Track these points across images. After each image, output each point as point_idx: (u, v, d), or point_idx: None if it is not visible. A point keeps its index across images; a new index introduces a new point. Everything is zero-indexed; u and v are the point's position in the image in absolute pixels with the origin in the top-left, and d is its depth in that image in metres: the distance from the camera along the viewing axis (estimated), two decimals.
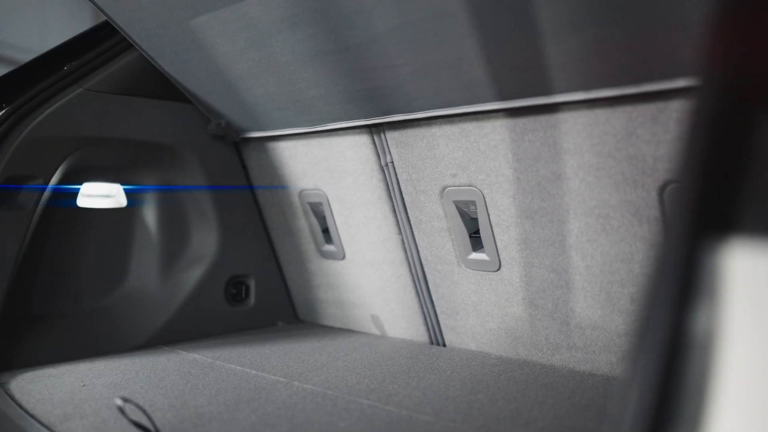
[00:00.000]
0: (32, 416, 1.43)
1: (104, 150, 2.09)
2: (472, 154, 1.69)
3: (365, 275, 2.17)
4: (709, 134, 0.54)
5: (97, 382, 1.68)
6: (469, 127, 1.67)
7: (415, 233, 1.95)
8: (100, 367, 1.86)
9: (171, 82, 2.11)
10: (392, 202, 1.98)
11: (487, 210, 1.71)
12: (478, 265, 1.80)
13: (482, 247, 1.78)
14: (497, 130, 1.61)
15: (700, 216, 0.53)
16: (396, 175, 1.92)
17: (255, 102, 2.04)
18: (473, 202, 1.75)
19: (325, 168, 2.11)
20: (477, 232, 1.79)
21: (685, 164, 0.54)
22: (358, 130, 1.95)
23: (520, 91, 1.50)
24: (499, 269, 1.75)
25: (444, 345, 2.01)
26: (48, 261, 2.08)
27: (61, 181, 2.00)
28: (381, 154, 1.94)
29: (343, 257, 2.21)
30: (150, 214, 2.27)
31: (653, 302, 0.53)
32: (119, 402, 1.30)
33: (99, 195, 2.10)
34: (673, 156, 0.57)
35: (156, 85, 2.12)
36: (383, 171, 1.95)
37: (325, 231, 2.26)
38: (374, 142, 1.93)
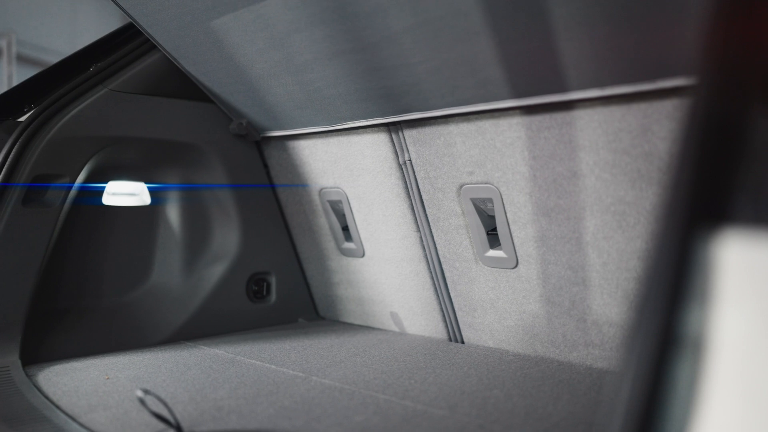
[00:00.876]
0: (58, 407, 1.48)
1: (129, 149, 2.13)
2: (489, 151, 1.71)
3: (384, 272, 2.19)
4: (703, 128, 0.55)
5: (121, 375, 1.73)
6: (486, 124, 1.69)
7: (433, 231, 1.97)
8: (123, 360, 1.91)
9: (193, 82, 2.15)
10: (410, 199, 2.00)
11: (503, 207, 1.73)
12: (496, 263, 1.82)
13: (499, 244, 1.79)
14: (513, 128, 1.62)
15: (694, 207, 0.54)
16: (414, 172, 1.94)
17: (275, 101, 2.07)
18: (490, 200, 1.77)
19: (345, 166, 2.13)
20: (494, 229, 1.80)
21: (681, 157, 0.56)
22: (376, 129, 1.97)
23: (535, 89, 1.51)
24: (516, 266, 1.76)
25: (462, 342, 2.03)
26: (74, 257, 2.13)
27: (87, 180, 2.06)
28: (399, 152, 1.96)
29: (363, 255, 2.24)
30: (173, 212, 2.32)
31: (648, 293, 0.55)
32: (140, 393, 1.33)
33: (124, 193, 2.15)
34: (670, 150, 0.58)
35: (179, 85, 2.17)
36: (401, 169, 1.97)
37: (345, 229, 2.28)
38: (392, 140, 1.96)
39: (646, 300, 0.54)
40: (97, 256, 2.19)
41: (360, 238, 2.22)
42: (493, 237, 1.82)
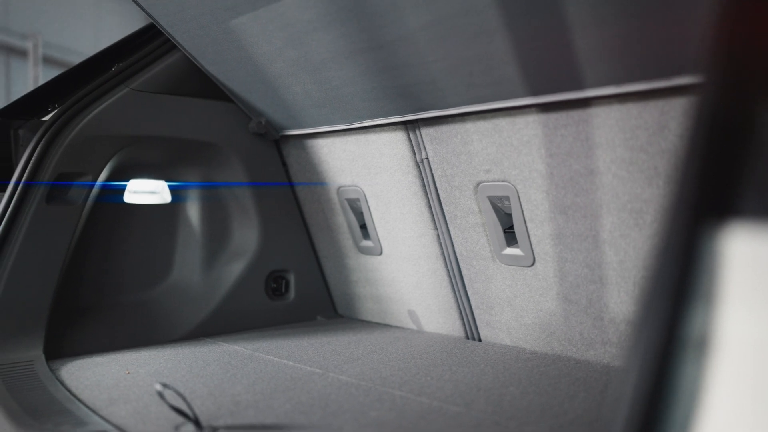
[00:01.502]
0: (80, 400, 1.51)
1: (149, 147, 2.16)
2: (505, 149, 1.71)
3: (402, 270, 2.20)
4: (710, 124, 0.55)
5: (141, 370, 1.76)
6: (502, 122, 1.69)
7: (451, 229, 1.98)
8: (144, 356, 1.94)
9: (213, 81, 2.18)
10: (428, 197, 2.00)
11: (520, 205, 1.73)
12: (513, 260, 1.82)
13: (516, 242, 1.79)
14: (530, 126, 1.62)
15: (700, 202, 0.54)
16: (431, 171, 1.95)
17: (293, 100, 2.09)
18: (507, 198, 1.77)
19: (362, 164, 2.15)
20: (511, 227, 1.80)
21: (688, 153, 0.56)
22: (393, 127, 1.98)
23: (551, 86, 1.51)
24: (533, 264, 1.76)
25: (479, 340, 2.03)
26: (96, 254, 2.17)
27: (109, 178, 2.09)
28: (416, 150, 1.96)
29: (381, 252, 2.25)
30: (193, 210, 2.35)
31: (654, 288, 0.55)
32: (159, 387, 1.36)
33: (145, 191, 2.19)
34: (678, 146, 0.58)
35: (199, 84, 2.19)
36: (419, 167, 1.98)
37: (363, 227, 2.30)
38: (410, 139, 1.97)
39: (652, 295, 0.55)
40: (119, 253, 2.22)
41: (378, 236, 2.23)
42: (510, 235, 1.82)
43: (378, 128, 2.03)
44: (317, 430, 1.30)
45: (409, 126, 1.95)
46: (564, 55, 1.39)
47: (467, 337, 2.07)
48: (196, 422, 1.30)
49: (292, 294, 2.45)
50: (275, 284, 2.42)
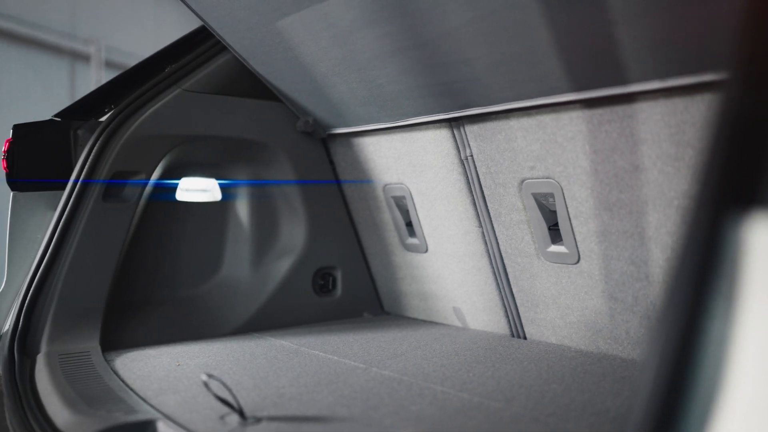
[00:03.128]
0: (131, 389, 1.57)
1: (200, 146, 2.22)
2: (550, 146, 1.70)
3: (447, 267, 2.21)
4: (734, 118, 0.55)
5: (191, 363, 1.82)
6: (546, 119, 1.68)
7: (495, 226, 1.97)
8: (194, 349, 2.00)
9: (262, 81, 2.23)
10: (472, 195, 2.00)
11: (565, 202, 1.71)
12: (558, 258, 1.80)
13: (561, 239, 1.77)
14: (574, 122, 1.61)
15: (723, 191, 0.54)
16: (476, 168, 1.95)
17: (340, 99, 2.12)
18: (551, 194, 1.75)
19: (408, 162, 2.16)
20: (556, 224, 1.79)
21: (712, 145, 0.56)
22: (438, 125, 1.99)
23: (595, 82, 1.49)
24: (578, 262, 1.74)
25: (524, 338, 2.02)
26: (150, 250, 2.24)
27: (162, 176, 2.17)
28: (461, 147, 1.97)
29: (426, 250, 2.26)
30: (242, 208, 2.41)
31: (677, 276, 0.55)
32: (204, 378, 1.41)
33: (196, 189, 2.25)
34: (704, 137, 0.58)
35: (248, 84, 2.25)
36: (463, 164, 1.98)
37: (409, 224, 2.31)
38: (454, 136, 1.97)
39: (675, 285, 0.55)
40: (171, 249, 2.29)
41: (423, 233, 2.24)
42: (554, 232, 1.80)
43: (423, 126, 2.04)
44: (357, 423, 1.32)
45: (453, 123, 1.96)
46: (607, 49, 1.38)
47: (512, 335, 2.06)
48: (240, 412, 1.34)
49: (338, 291, 2.48)
50: (322, 281, 2.45)
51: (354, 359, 1.84)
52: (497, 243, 1.99)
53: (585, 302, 1.77)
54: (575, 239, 1.72)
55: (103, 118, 2.08)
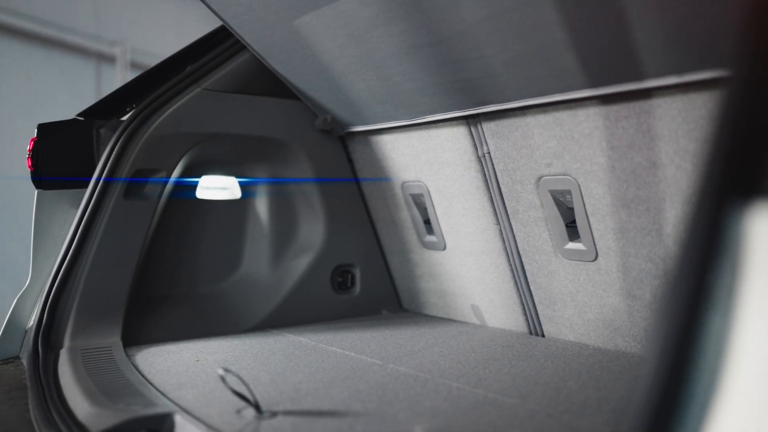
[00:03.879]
0: (151, 384, 1.60)
1: (220, 145, 2.25)
2: (567, 142, 1.69)
3: (465, 265, 2.21)
4: (737, 112, 0.55)
5: (210, 358, 1.84)
6: (563, 115, 1.67)
7: (513, 223, 1.97)
8: (213, 345, 2.02)
9: (280, 80, 2.25)
10: (490, 192, 2.00)
11: (582, 199, 1.70)
12: (575, 255, 1.79)
13: (579, 236, 1.77)
14: (590, 118, 1.60)
15: (726, 183, 0.54)
16: (493, 165, 1.95)
17: (357, 96, 2.13)
18: (569, 191, 1.75)
19: (425, 160, 2.17)
20: (573, 221, 1.78)
21: (716, 137, 0.56)
22: (455, 122, 1.99)
23: (611, 78, 1.48)
24: (595, 259, 1.74)
25: (542, 335, 2.01)
26: (170, 248, 2.27)
27: (182, 174, 2.20)
28: (478, 144, 1.97)
29: (444, 247, 2.26)
30: (262, 206, 2.43)
31: (680, 266, 0.55)
32: (221, 372, 1.42)
33: (216, 187, 2.28)
34: (708, 129, 0.58)
35: (267, 83, 2.27)
36: (481, 162, 1.98)
37: (427, 222, 2.32)
38: (471, 133, 1.97)
39: (679, 270, 0.55)
40: (191, 247, 2.32)
41: (441, 231, 2.24)
42: (572, 229, 1.80)
43: (440, 123, 2.05)
44: (372, 417, 1.33)
45: (470, 121, 1.96)
46: (623, 44, 1.37)
47: (530, 333, 2.06)
48: (257, 406, 1.36)
49: (357, 288, 2.49)
50: (341, 278, 2.47)
51: (371, 356, 1.85)
52: (515, 240, 1.98)
53: (603, 300, 1.76)
54: (593, 236, 1.71)
55: (125, 117, 2.11)
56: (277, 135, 2.32)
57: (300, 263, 2.40)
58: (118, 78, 6.98)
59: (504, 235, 2.02)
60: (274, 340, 2.08)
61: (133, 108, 2.10)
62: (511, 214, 1.96)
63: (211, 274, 2.35)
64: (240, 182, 2.36)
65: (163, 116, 2.06)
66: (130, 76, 6.96)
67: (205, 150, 2.21)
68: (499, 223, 2.02)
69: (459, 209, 2.14)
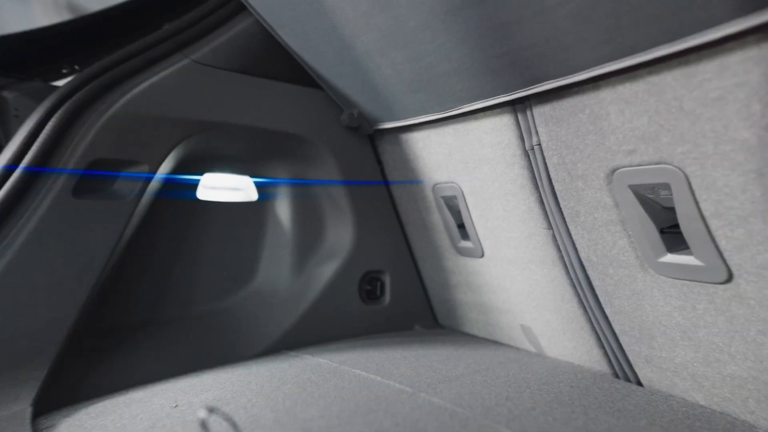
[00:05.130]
0: None
1: (225, 136, 1.40)
2: (668, 117, 0.88)
3: (508, 275, 1.40)
4: None
5: (195, 400, 1.05)
6: (667, 78, 0.86)
7: (571, 228, 1.16)
8: (206, 380, 1.21)
9: (296, 62, 1.45)
10: (539, 191, 1.20)
11: (693, 195, 0.89)
12: (682, 272, 0.97)
13: (685, 246, 0.95)
14: (729, 71, 0.78)
15: None
16: (544, 159, 1.14)
17: (385, 84, 1.35)
18: (665, 186, 0.93)
19: (459, 158, 1.37)
20: (672, 226, 0.96)
21: None
22: (498, 110, 1.20)
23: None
24: (729, 281, 0.90)
25: (638, 383, 1.15)
26: (157, 259, 1.42)
27: (174, 171, 1.35)
28: (526, 136, 1.17)
29: (482, 255, 1.46)
30: (283, 209, 1.64)
31: None
32: (203, 414, 0.78)
33: (224, 187, 1.49)
34: None
35: (279, 64, 1.43)
36: (527, 156, 1.18)
37: (461, 226, 1.51)
38: (518, 122, 1.17)
39: None
40: (188, 257, 1.47)
41: (478, 236, 1.44)
42: (671, 236, 0.98)
43: (479, 113, 1.25)
44: None
45: (517, 107, 1.16)
46: None
47: (616, 375, 1.20)
48: None
49: (387, 298, 1.67)
50: (370, 286, 1.66)
51: (400, 381, 1.08)
52: (575, 249, 1.17)
53: (754, 346, 0.92)
54: (718, 248, 0.89)
55: (60, 82, 1.24)
56: (298, 129, 1.50)
57: (325, 270, 1.60)
58: (36, 10, 5.18)
59: (559, 242, 1.20)
60: (288, 365, 1.30)
61: (76, 70, 1.24)
62: (568, 218, 1.15)
63: (214, 289, 1.50)
64: (255, 183, 1.57)
65: (137, 90, 1.17)
66: (59, 14, 4.81)
67: (205, 141, 1.36)
68: (551, 228, 1.21)
69: (498, 212, 1.34)
